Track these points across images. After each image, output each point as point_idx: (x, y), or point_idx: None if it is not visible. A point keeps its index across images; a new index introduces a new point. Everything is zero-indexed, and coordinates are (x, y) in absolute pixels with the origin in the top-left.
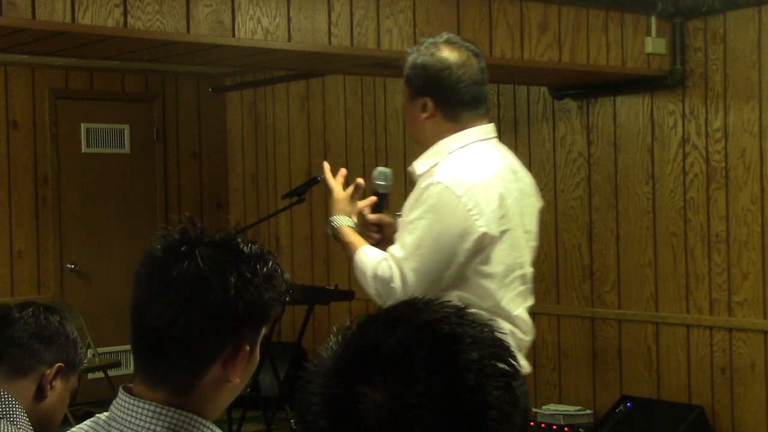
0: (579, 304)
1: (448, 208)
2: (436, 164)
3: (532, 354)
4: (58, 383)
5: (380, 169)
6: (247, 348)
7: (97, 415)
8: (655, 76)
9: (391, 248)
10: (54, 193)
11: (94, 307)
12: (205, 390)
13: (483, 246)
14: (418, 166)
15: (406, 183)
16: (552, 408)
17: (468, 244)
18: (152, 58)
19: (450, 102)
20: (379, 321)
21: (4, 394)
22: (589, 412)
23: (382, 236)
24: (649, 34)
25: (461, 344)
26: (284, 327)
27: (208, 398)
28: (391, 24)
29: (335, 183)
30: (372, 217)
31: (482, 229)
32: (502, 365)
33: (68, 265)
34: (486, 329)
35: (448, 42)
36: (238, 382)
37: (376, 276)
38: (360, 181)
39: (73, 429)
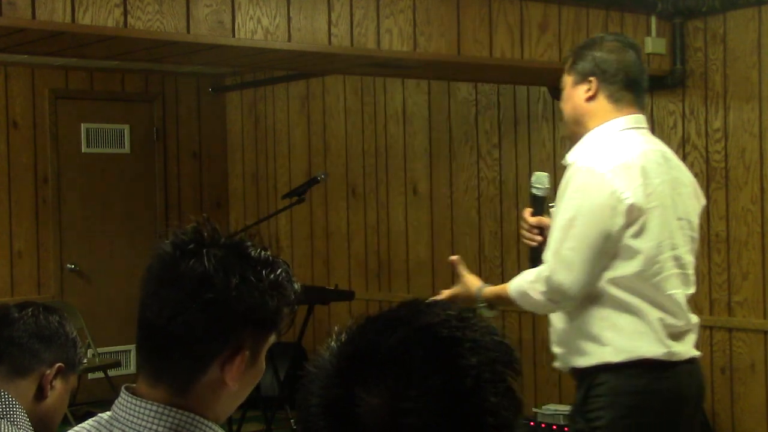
0: None
1: (594, 186)
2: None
3: (532, 354)
4: (58, 383)
5: (537, 173)
6: (247, 353)
7: (99, 414)
8: (655, 76)
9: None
10: (54, 193)
11: (94, 307)
12: (204, 391)
13: (633, 219)
14: (571, 157)
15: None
16: (552, 408)
17: (618, 217)
18: (152, 58)
19: (613, 81)
20: (379, 321)
21: (4, 395)
22: None
23: (543, 238)
24: (649, 34)
25: (460, 348)
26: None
27: (207, 400)
28: (391, 24)
29: (449, 293)
30: (532, 220)
31: (629, 201)
32: (503, 371)
33: (68, 265)
34: (488, 334)
35: (611, 37)
36: (236, 387)
37: (533, 283)
38: (454, 258)
39: (75, 428)
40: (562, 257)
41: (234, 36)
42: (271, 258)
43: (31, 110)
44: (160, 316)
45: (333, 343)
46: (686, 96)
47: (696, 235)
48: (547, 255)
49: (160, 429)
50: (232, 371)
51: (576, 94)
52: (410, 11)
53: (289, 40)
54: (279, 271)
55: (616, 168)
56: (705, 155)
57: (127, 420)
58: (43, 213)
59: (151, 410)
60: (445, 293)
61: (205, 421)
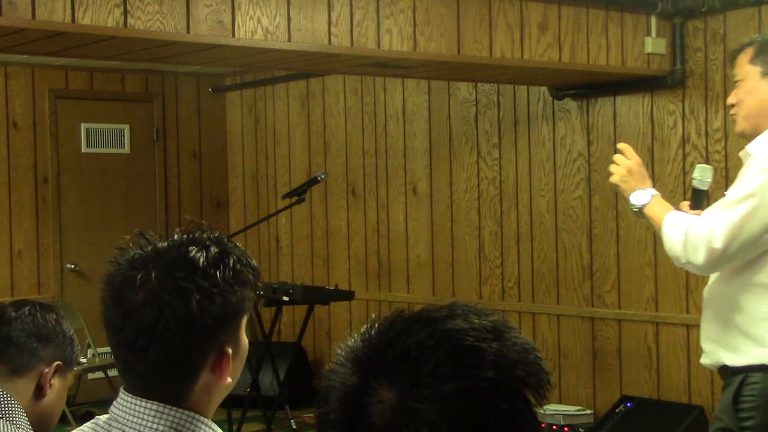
0: (579, 304)
1: None
2: None
3: None
4: (56, 381)
5: (701, 166)
6: (230, 350)
7: (97, 417)
8: (655, 76)
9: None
10: (54, 193)
11: (94, 307)
12: (199, 396)
13: None
14: (752, 147)
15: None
16: (552, 408)
17: None
18: (152, 58)
19: None
20: (410, 318)
21: (3, 394)
22: (589, 412)
23: None
24: (649, 34)
25: (479, 359)
26: (284, 327)
27: (204, 400)
28: (391, 24)
29: (631, 164)
30: (692, 213)
31: None
32: (524, 390)
33: (68, 265)
34: (521, 352)
35: None
36: (230, 381)
37: (686, 244)
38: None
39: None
40: (716, 230)
41: (234, 36)
42: (218, 252)
43: (31, 110)
44: (134, 348)
45: (364, 330)
46: (686, 96)
47: None
48: (708, 220)
49: (161, 428)
50: (222, 371)
51: (764, 88)
52: (410, 11)
53: (289, 40)
54: (231, 262)
55: None
56: (705, 155)
57: (127, 420)
58: (43, 213)
59: (150, 409)
60: (628, 162)
61: (205, 420)
